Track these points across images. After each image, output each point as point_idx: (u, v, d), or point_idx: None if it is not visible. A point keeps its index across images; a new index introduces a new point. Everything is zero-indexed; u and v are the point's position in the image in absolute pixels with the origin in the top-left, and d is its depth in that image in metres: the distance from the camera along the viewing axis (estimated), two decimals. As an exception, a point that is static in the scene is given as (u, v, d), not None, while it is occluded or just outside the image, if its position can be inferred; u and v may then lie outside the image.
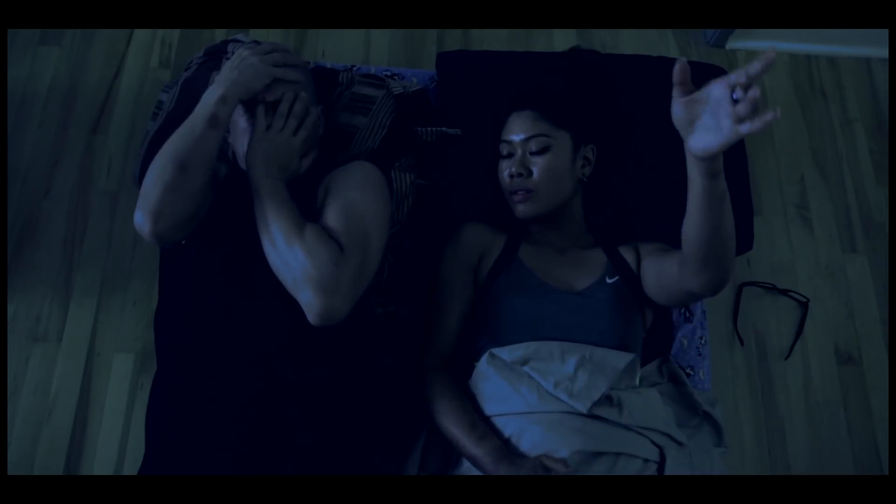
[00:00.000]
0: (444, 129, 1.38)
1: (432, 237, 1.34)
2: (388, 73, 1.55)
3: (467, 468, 1.10)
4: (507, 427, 1.08)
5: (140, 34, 1.88)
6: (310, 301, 0.98)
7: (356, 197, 1.10)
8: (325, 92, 1.30)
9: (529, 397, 1.08)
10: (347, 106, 1.38)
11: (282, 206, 1.03)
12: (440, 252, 1.29)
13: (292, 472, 1.00)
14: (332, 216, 1.07)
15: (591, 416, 1.06)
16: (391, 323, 1.25)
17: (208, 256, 1.11)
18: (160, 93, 1.50)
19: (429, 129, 1.38)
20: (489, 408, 1.11)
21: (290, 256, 0.99)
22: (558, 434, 1.04)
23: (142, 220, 1.03)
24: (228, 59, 1.42)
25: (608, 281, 1.20)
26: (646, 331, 1.25)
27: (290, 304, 1.00)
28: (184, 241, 1.16)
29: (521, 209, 1.25)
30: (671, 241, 1.40)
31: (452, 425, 1.09)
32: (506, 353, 1.13)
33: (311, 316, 0.99)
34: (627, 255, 1.25)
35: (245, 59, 1.12)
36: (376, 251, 1.09)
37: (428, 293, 1.27)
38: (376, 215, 1.11)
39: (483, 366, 1.15)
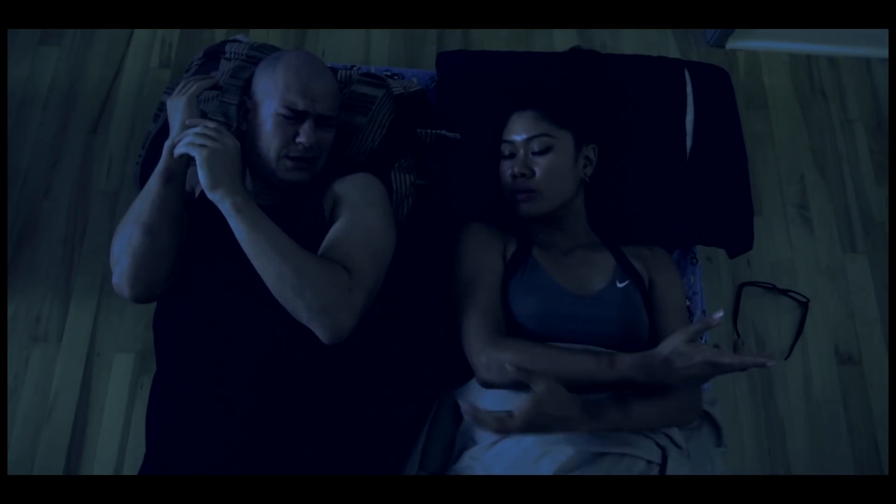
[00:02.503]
0: (443, 132, 1.38)
1: (432, 238, 1.34)
2: (388, 73, 1.55)
3: (466, 466, 1.10)
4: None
5: (140, 34, 1.88)
6: (323, 326, 1.00)
7: (369, 217, 1.12)
8: None
9: None
10: (346, 105, 1.38)
11: (273, 231, 1.01)
12: (451, 250, 1.27)
13: (292, 471, 1.00)
14: (347, 237, 1.08)
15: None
16: (391, 323, 1.25)
17: (207, 259, 1.11)
18: (162, 94, 1.50)
19: (428, 131, 1.38)
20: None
21: (302, 286, 0.98)
22: (563, 433, 1.04)
23: (119, 285, 1.07)
24: (227, 59, 1.43)
25: (619, 285, 1.20)
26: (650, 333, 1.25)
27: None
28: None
29: (524, 209, 1.25)
30: (670, 240, 1.41)
31: (575, 364, 1.06)
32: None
33: (323, 338, 1.01)
34: (637, 263, 1.26)
35: (170, 105, 1.14)
36: (383, 270, 1.11)
37: (436, 294, 1.26)
38: (387, 234, 1.13)
39: None
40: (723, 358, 0.97)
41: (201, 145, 1.01)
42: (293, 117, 1.14)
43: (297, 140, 1.14)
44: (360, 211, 1.12)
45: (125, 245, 1.06)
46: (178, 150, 1.03)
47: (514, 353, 1.06)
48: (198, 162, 1.00)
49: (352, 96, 1.39)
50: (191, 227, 1.15)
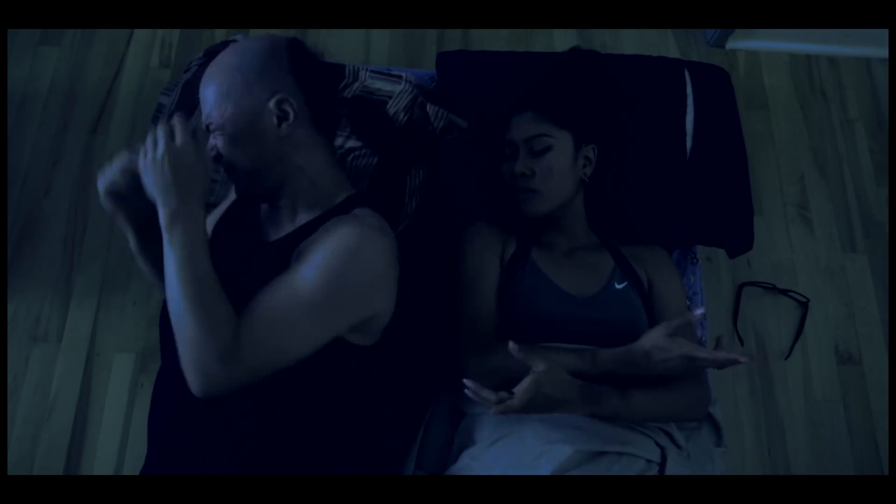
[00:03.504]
0: (453, 116, 1.38)
1: (435, 237, 1.34)
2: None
3: (465, 466, 1.10)
4: (510, 424, 1.08)
5: (140, 34, 1.88)
6: (189, 379, 0.89)
7: (303, 279, 0.91)
8: (330, 85, 1.22)
9: None
10: (359, 98, 1.37)
11: (193, 252, 0.89)
12: (454, 249, 1.28)
13: (292, 471, 1.00)
14: (264, 299, 0.91)
15: (594, 414, 1.06)
16: (394, 320, 1.25)
17: (213, 254, 1.11)
18: (160, 95, 1.50)
19: (441, 110, 1.37)
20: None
21: (183, 325, 0.87)
22: (561, 432, 1.04)
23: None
24: None
25: (617, 286, 1.20)
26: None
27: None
28: None
29: (525, 209, 1.26)
30: (670, 240, 1.41)
31: (560, 362, 1.07)
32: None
33: (192, 387, 0.89)
34: (635, 264, 1.26)
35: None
36: (300, 344, 0.92)
37: (443, 292, 1.27)
38: (329, 311, 0.93)
39: None
40: (699, 353, 1.01)
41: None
42: None
43: None
44: (298, 273, 0.92)
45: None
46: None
47: (503, 357, 1.05)
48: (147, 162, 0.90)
49: (365, 90, 1.38)
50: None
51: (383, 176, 1.32)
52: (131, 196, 0.96)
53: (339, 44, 1.91)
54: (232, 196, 1.22)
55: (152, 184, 0.90)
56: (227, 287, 0.91)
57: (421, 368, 1.24)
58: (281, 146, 1.02)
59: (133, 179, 0.94)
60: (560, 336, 1.13)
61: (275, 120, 1.01)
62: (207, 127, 1.03)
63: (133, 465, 1.48)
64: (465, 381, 0.98)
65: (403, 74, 1.43)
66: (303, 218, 1.03)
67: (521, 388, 0.97)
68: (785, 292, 1.74)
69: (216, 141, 1.01)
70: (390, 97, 1.38)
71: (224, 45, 1.46)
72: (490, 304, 1.19)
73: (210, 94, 1.02)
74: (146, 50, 1.86)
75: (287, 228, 1.04)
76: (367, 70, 1.43)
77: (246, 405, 1.02)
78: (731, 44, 2.00)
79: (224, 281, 0.91)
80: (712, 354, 1.00)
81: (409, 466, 1.15)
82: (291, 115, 1.01)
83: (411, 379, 1.21)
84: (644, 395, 1.08)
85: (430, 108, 1.37)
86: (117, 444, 1.50)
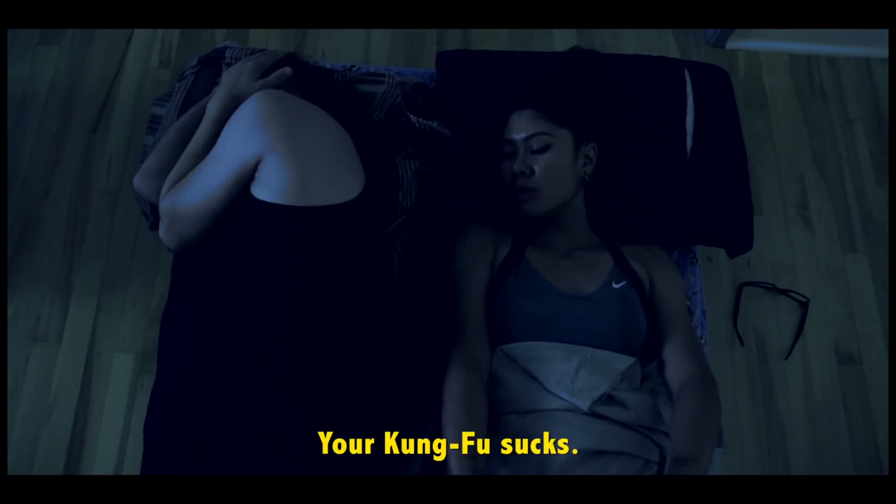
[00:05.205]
0: (435, 125, 1.38)
1: (438, 232, 1.33)
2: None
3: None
4: (510, 426, 1.08)
5: (140, 34, 1.88)
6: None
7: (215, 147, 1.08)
8: (320, 91, 1.29)
9: (533, 395, 1.08)
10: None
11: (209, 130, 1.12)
12: (448, 249, 1.28)
13: (295, 471, 1.00)
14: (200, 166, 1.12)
15: (593, 414, 1.06)
16: (401, 317, 1.25)
17: (220, 257, 1.11)
18: (153, 106, 1.49)
19: (422, 120, 1.38)
20: (494, 407, 1.11)
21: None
22: (560, 432, 1.04)
23: (135, 177, 1.20)
24: (228, 64, 1.42)
25: (615, 286, 1.20)
26: (648, 333, 1.25)
27: (299, 304, 1.00)
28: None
29: (525, 208, 1.26)
30: (670, 240, 1.41)
31: (451, 426, 1.07)
32: (511, 350, 1.14)
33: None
34: (635, 264, 1.26)
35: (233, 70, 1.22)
36: (202, 200, 1.06)
37: (442, 288, 1.27)
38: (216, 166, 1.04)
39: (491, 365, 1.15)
40: None
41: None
42: None
43: None
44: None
45: (160, 141, 1.20)
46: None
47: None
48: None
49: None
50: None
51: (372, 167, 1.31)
52: None
53: (339, 44, 1.91)
54: None
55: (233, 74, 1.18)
56: None
57: (429, 361, 1.23)
58: None
59: None
60: (558, 336, 1.14)
61: None
62: None
63: (133, 465, 1.48)
64: None
65: (386, 76, 1.42)
66: None
67: None
68: (785, 292, 1.74)
69: None
70: (375, 98, 1.38)
71: (216, 51, 1.46)
72: (477, 304, 1.19)
73: None
74: (146, 50, 1.86)
75: None
76: (357, 73, 1.43)
77: (251, 405, 1.02)
78: (731, 44, 2.01)
79: None
80: None
81: (415, 467, 1.15)
82: None
83: (421, 376, 1.20)
84: (681, 428, 1.06)
85: (411, 118, 1.37)
86: (117, 444, 1.50)
